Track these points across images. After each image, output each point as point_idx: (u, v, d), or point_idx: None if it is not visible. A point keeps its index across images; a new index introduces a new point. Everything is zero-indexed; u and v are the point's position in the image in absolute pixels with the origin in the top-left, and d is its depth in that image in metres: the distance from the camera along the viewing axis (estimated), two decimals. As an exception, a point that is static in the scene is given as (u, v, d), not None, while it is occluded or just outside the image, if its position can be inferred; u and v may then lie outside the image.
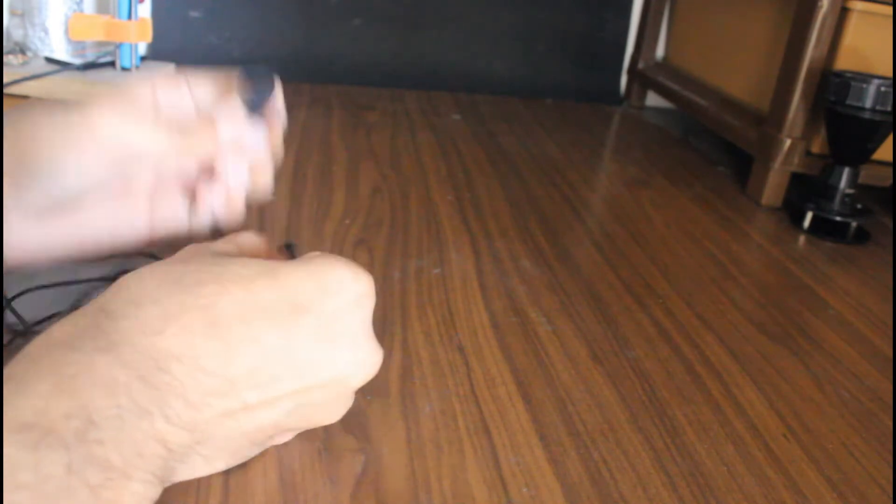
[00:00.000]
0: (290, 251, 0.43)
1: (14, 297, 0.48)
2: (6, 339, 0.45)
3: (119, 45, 1.00)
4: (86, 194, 0.42)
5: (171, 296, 0.32)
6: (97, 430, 0.29)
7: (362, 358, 0.36)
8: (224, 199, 0.46)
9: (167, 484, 0.32)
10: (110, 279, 0.50)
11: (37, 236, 0.42)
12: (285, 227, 0.66)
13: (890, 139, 0.83)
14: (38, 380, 0.29)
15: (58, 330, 0.32)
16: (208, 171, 0.47)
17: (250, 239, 0.41)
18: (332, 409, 0.38)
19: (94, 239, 0.44)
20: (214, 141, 0.43)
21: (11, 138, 0.40)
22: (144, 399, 0.30)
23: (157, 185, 0.46)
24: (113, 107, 0.41)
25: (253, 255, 0.39)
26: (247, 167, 0.46)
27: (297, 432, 0.39)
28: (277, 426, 0.36)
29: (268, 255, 0.40)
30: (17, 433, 0.27)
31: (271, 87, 0.47)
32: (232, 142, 0.44)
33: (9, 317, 0.47)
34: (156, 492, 0.31)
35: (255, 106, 0.46)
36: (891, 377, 0.56)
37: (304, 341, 0.34)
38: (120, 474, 0.29)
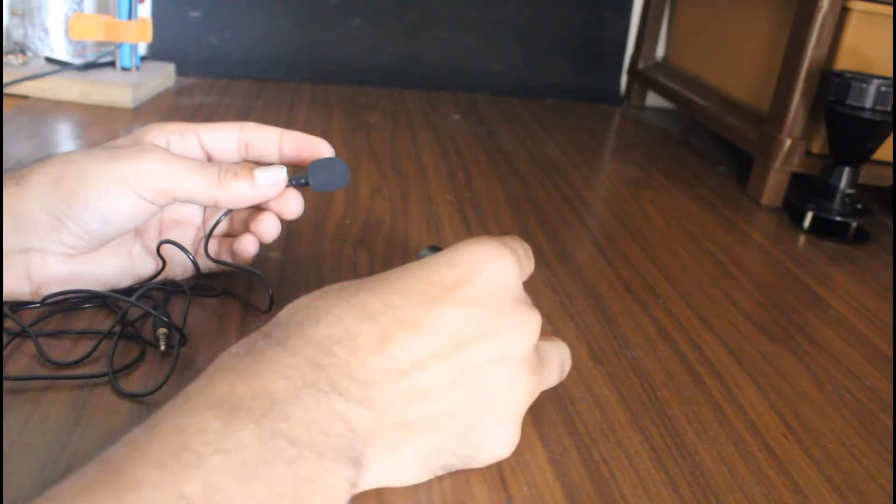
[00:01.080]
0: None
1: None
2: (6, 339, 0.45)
3: (119, 45, 1.00)
4: (124, 231, 0.47)
5: (321, 298, 0.35)
6: (281, 407, 0.30)
7: (520, 321, 0.37)
8: (241, 245, 0.51)
9: (362, 472, 0.33)
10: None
11: (68, 271, 0.47)
12: (285, 227, 0.66)
13: (890, 139, 0.83)
14: (220, 375, 0.31)
15: (234, 346, 0.34)
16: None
17: None
18: (505, 424, 0.38)
19: (116, 272, 0.50)
20: (252, 190, 0.47)
21: (58, 184, 0.44)
22: (317, 379, 0.32)
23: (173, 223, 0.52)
24: (157, 154, 0.46)
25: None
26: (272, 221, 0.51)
27: (469, 462, 0.38)
28: (460, 417, 0.36)
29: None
30: (209, 409, 0.29)
31: (338, 184, 0.52)
32: (264, 197, 0.49)
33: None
34: (353, 475, 0.31)
35: (315, 187, 0.50)
36: (891, 377, 0.56)
37: (450, 313, 0.35)
38: (312, 451, 0.30)
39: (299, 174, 0.50)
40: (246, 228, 0.52)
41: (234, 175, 0.46)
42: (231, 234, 0.54)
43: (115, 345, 0.45)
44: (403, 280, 0.36)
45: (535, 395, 0.40)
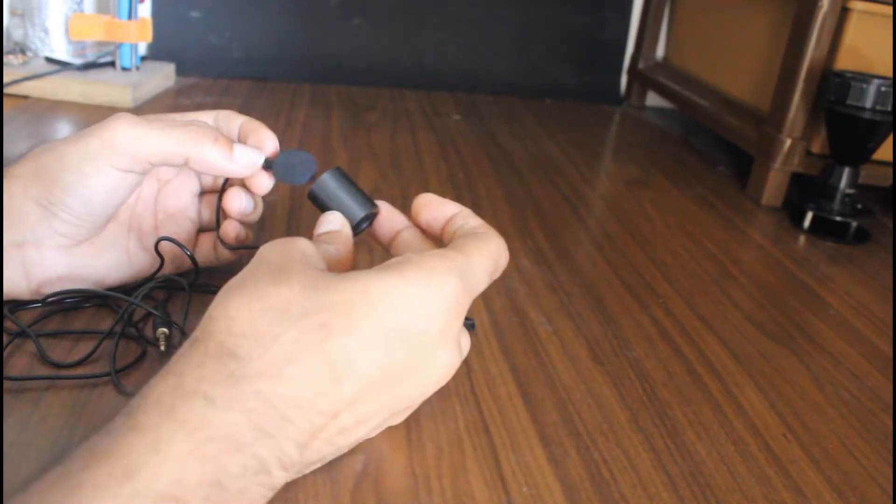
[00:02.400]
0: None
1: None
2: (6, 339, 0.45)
3: (119, 45, 1.00)
4: (108, 210, 0.46)
5: (284, 332, 0.32)
6: (223, 492, 0.29)
7: (445, 368, 0.37)
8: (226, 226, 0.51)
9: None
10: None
11: (65, 265, 0.47)
12: (285, 227, 0.66)
13: (890, 139, 0.83)
14: (174, 440, 0.29)
15: (186, 371, 0.32)
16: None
17: (328, 250, 0.42)
18: (407, 413, 0.40)
19: (114, 266, 0.49)
20: (226, 162, 0.46)
21: (38, 173, 0.44)
22: (265, 452, 0.31)
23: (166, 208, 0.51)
24: (125, 119, 0.44)
25: (336, 249, 0.41)
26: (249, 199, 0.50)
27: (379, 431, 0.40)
28: (365, 437, 0.37)
29: (347, 252, 0.42)
30: (157, 502, 0.28)
31: (302, 175, 0.48)
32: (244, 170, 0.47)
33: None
34: None
35: (277, 177, 0.48)
36: (891, 377, 0.56)
37: (399, 364, 0.35)
38: None
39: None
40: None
41: (213, 140, 0.45)
42: (206, 229, 0.53)
43: (115, 345, 0.45)
44: (369, 322, 0.34)
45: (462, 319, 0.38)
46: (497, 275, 0.41)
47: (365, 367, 0.33)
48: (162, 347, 0.45)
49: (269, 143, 0.47)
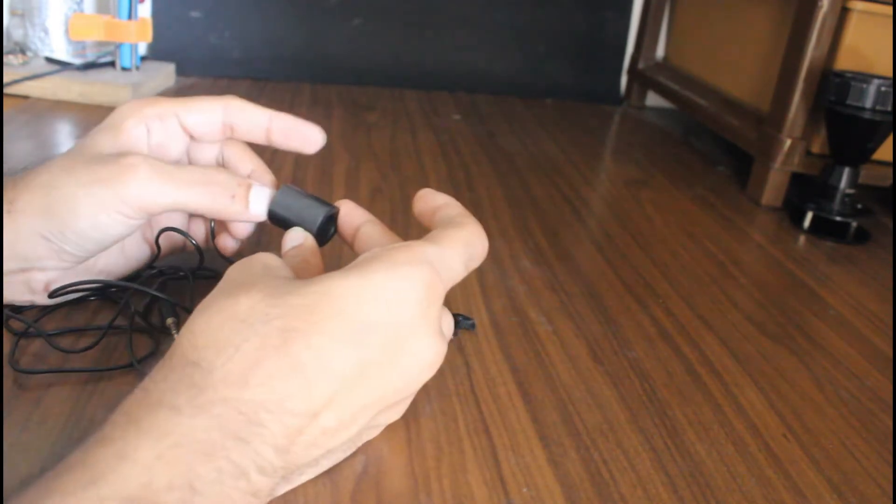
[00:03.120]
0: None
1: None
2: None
3: (119, 45, 1.00)
4: (120, 242, 0.47)
5: (245, 340, 0.32)
6: (198, 496, 0.29)
7: (428, 357, 0.37)
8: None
9: None
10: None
11: (68, 278, 0.47)
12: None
13: (890, 139, 0.83)
14: (140, 447, 0.29)
15: (152, 386, 0.32)
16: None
17: (294, 260, 0.42)
18: (401, 407, 0.39)
19: (112, 262, 0.49)
20: (243, 215, 0.46)
21: (48, 213, 0.43)
22: (240, 457, 0.31)
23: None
24: (142, 172, 0.43)
25: (302, 261, 0.41)
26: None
27: (379, 431, 0.40)
28: (356, 439, 0.37)
29: (316, 262, 0.42)
30: None
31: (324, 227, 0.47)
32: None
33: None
34: None
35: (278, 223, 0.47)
36: (891, 377, 0.56)
37: (374, 358, 0.34)
38: None
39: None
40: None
41: (231, 197, 0.45)
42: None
43: (129, 332, 0.46)
44: (333, 320, 0.33)
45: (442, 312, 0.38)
46: (474, 263, 0.40)
47: (337, 365, 0.33)
48: (175, 334, 0.46)
49: (316, 139, 0.48)
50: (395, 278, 0.35)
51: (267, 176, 0.50)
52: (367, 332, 0.34)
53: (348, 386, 0.34)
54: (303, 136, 0.48)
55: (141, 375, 0.41)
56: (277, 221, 0.46)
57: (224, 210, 0.45)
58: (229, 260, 0.50)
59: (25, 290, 0.46)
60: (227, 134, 0.49)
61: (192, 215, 0.52)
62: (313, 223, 0.45)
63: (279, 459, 0.32)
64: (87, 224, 0.43)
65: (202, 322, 0.34)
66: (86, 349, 0.45)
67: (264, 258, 0.38)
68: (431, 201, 0.44)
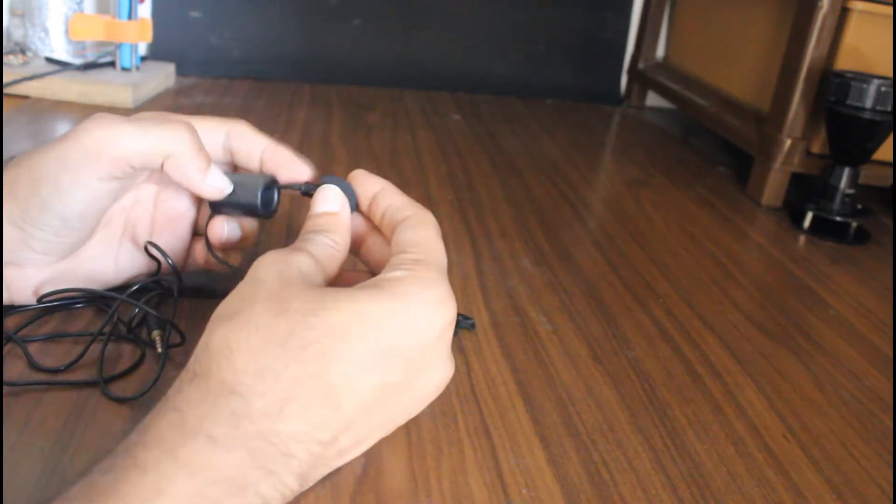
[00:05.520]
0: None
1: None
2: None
3: (119, 45, 1.00)
4: (90, 223, 0.45)
5: (285, 367, 0.32)
6: None
7: (440, 379, 0.37)
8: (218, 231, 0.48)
9: None
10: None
11: (51, 279, 0.46)
12: (285, 227, 0.66)
13: (890, 139, 0.83)
14: (177, 481, 0.29)
15: (187, 409, 0.31)
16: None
17: (326, 249, 0.40)
18: (407, 419, 0.39)
19: (102, 274, 0.48)
20: (198, 180, 0.44)
21: (11, 191, 0.42)
22: (267, 489, 0.31)
23: (156, 218, 0.49)
24: (101, 119, 0.42)
25: (331, 271, 0.39)
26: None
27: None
28: (361, 454, 0.37)
29: (344, 244, 0.41)
30: None
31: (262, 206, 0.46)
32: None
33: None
34: None
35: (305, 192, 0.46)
36: (891, 377, 0.56)
37: (395, 383, 0.35)
38: None
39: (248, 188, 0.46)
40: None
41: (196, 148, 0.43)
42: (202, 233, 0.51)
43: (103, 348, 0.44)
44: (366, 343, 0.33)
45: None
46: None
47: (362, 389, 0.33)
48: (159, 349, 0.45)
49: (304, 174, 0.47)
50: (424, 302, 0.35)
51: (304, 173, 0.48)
52: (395, 357, 0.34)
53: (368, 410, 0.34)
54: (294, 172, 0.47)
55: (110, 397, 0.41)
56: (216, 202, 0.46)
57: (185, 161, 0.43)
58: (232, 268, 0.48)
59: (5, 289, 0.45)
60: (227, 157, 0.48)
61: (196, 233, 0.51)
62: (255, 189, 0.45)
63: (297, 485, 0.32)
64: (48, 191, 0.41)
65: (240, 340, 0.32)
66: (71, 364, 0.43)
67: (298, 262, 0.36)
68: (369, 188, 0.42)
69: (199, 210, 0.51)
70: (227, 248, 0.48)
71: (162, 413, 0.31)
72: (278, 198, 0.47)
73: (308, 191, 0.45)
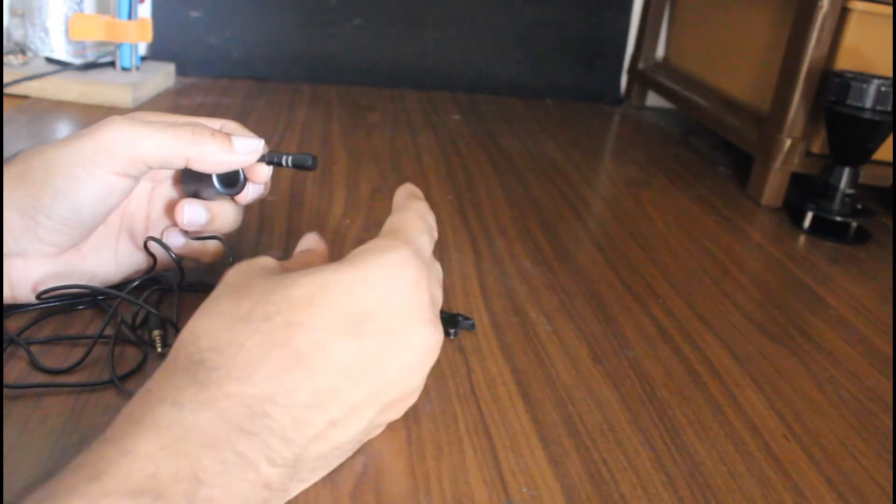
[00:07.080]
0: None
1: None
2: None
3: (119, 45, 1.00)
4: (99, 218, 0.45)
5: (248, 338, 0.33)
6: (206, 488, 0.29)
7: (424, 343, 0.37)
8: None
9: None
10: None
11: (52, 273, 0.46)
12: (285, 227, 0.66)
13: (890, 139, 0.83)
14: (143, 441, 0.29)
15: (154, 385, 0.32)
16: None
17: (309, 251, 0.42)
18: (408, 399, 0.38)
19: (101, 270, 0.48)
20: (227, 154, 0.46)
21: (22, 178, 0.43)
22: (247, 448, 0.31)
23: (150, 216, 0.50)
24: (120, 120, 0.44)
25: (304, 261, 0.41)
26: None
27: (381, 429, 0.40)
28: (364, 432, 0.37)
29: (314, 255, 0.43)
30: (131, 499, 0.27)
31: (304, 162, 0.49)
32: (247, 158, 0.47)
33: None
34: None
35: (299, 166, 0.49)
36: (891, 377, 0.56)
37: (373, 347, 0.35)
38: None
39: (273, 152, 0.48)
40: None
41: (210, 135, 0.45)
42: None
43: (112, 348, 0.45)
44: (332, 310, 0.34)
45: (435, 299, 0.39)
46: (434, 233, 0.42)
47: (338, 355, 0.34)
48: (159, 349, 0.45)
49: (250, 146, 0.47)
50: (383, 265, 0.36)
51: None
52: (364, 321, 0.34)
53: (351, 376, 0.34)
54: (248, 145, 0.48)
55: (123, 392, 0.42)
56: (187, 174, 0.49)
57: (210, 151, 0.44)
58: (211, 236, 0.50)
59: (6, 283, 0.45)
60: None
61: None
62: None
63: (288, 451, 0.32)
64: (63, 182, 0.42)
65: (205, 324, 0.34)
66: (73, 366, 0.44)
67: (262, 261, 0.38)
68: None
69: None
70: (196, 231, 0.49)
71: (134, 397, 0.32)
72: (244, 176, 0.48)
73: (271, 160, 0.48)
